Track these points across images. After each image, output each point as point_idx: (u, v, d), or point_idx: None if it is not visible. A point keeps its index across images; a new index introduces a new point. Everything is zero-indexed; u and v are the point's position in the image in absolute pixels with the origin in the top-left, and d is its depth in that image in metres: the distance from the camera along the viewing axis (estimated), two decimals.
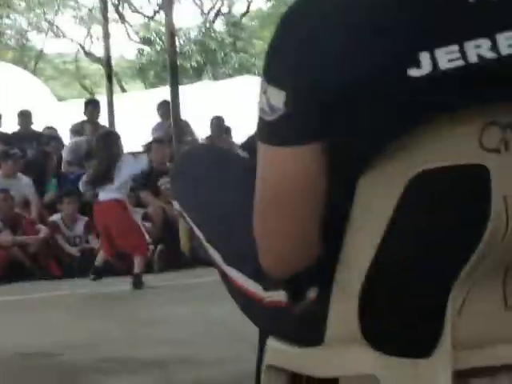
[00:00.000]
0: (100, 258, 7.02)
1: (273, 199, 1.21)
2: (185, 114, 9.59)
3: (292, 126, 1.16)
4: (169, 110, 9.95)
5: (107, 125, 10.80)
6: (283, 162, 1.18)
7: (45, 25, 30.44)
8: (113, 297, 6.64)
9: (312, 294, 1.31)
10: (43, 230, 8.58)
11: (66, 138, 10.89)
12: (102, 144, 6.97)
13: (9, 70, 16.30)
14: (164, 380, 3.39)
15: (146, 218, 8.71)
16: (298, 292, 1.31)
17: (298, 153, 1.16)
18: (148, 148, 10.24)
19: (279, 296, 1.33)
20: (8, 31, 29.37)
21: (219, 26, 27.94)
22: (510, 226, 1.18)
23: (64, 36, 31.19)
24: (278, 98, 1.15)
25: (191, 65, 24.29)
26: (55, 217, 8.71)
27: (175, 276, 7.60)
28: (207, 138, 10.79)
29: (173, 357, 3.80)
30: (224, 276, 1.48)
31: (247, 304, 1.44)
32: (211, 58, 25.90)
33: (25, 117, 10.87)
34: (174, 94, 8.55)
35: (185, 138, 9.31)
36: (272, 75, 1.18)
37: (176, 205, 1.64)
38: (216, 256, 1.49)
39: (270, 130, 1.18)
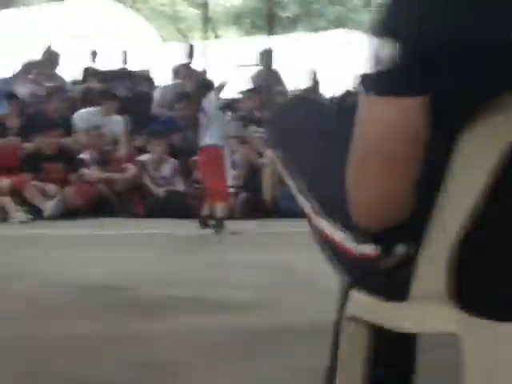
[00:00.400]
0: (206, 208, 7.11)
1: (373, 148, 1.21)
2: (277, 64, 9.56)
3: (402, 77, 1.17)
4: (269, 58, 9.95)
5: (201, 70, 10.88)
6: (389, 111, 1.19)
7: None
8: (194, 239, 6.75)
9: (401, 249, 1.31)
10: (131, 169, 8.75)
11: (166, 78, 10.96)
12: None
13: (110, 6, 16.37)
14: (239, 323, 3.41)
15: (231, 165, 8.77)
16: (387, 246, 1.32)
17: (405, 104, 1.17)
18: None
19: (368, 249, 1.34)
20: None
21: None
22: None
23: None
24: (390, 48, 1.16)
25: (287, 15, 24.07)
26: (144, 157, 8.84)
27: (256, 224, 7.66)
28: (301, 89, 10.74)
29: (248, 301, 3.83)
30: (313, 226, 1.50)
31: (334, 255, 1.45)
32: (307, 10, 25.65)
33: (121, 56, 11.02)
34: (269, 42, 8.53)
35: (275, 88, 9.28)
36: (385, 26, 1.19)
37: (270, 152, 1.65)
38: (306, 206, 1.50)
39: (379, 80, 1.19)
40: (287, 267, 4.86)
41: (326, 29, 23.02)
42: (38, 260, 5.12)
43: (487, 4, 1.12)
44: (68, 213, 8.20)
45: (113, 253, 5.57)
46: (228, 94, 10.68)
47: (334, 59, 13.97)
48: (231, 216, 7.39)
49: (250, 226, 7.42)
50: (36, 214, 7.98)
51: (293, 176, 1.55)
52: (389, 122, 1.19)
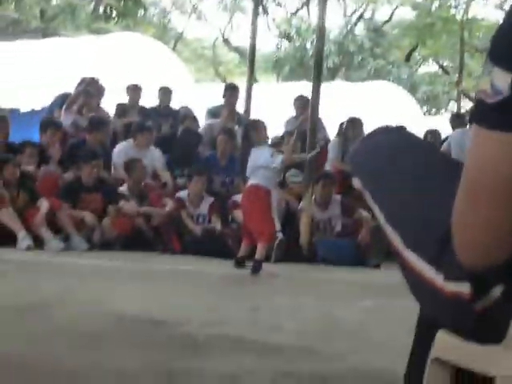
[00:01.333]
0: (243, 249, 7.08)
1: (487, 186, 1.17)
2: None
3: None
4: (304, 104, 10.00)
5: (242, 112, 10.94)
6: (501, 148, 1.14)
7: (189, 7, 31.00)
8: (230, 278, 6.71)
9: (498, 290, 1.27)
10: (169, 204, 8.76)
11: (200, 119, 11.06)
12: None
13: (152, 44, 16.58)
14: (282, 366, 3.37)
15: None
16: (485, 286, 1.28)
17: None
18: (278, 141, 10.31)
19: (461, 287, 1.30)
20: (152, 9, 30.01)
21: (360, 30, 27.86)
22: None
23: (206, 20, 31.72)
24: (504, 79, 1.12)
25: (327, 64, 24.26)
26: (182, 193, 8.86)
27: (292, 268, 7.61)
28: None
29: (288, 344, 3.79)
30: (401, 259, 1.46)
31: (422, 290, 1.41)
32: (348, 60, 25.86)
33: (165, 93, 11.14)
34: (315, 90, 8.57)
35: (318, 134, 9.31)
36: (500, 56, 1.14)
37: (356, 182, 1.61)
38: (394, 236, 1.45)
39: (491, 114, 1.15)
40: (325, 313, 4.81)
41: (364, 80, 23.15)
42: (77, 289, 5.11)
43: None
44: (103, 244, 8.22)
45: (149, 287, 5.55)
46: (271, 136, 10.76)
47: (372, 109, 14.01)
48: (267, 259, 7.35)
49: (286, 270, 7.37)
50: (70, 242, 8.01)
51: (381, 204, 1.52)
52: (502, 158, 1.15)
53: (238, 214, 8.39)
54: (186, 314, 4.44)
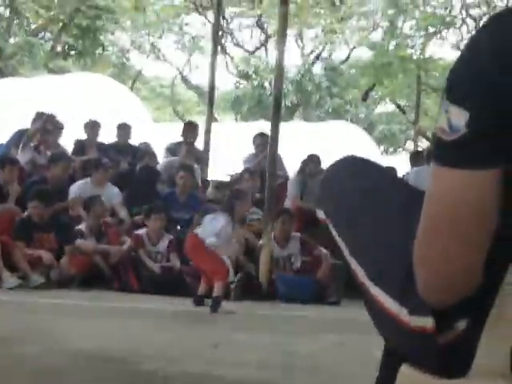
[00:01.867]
0: (202, 287, 7.10)
1: (446, 223, 1.18)
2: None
3: (473, 148, 1.14)
4: (263, 142, 10.05)
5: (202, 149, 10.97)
6: (460, 184, 1.15)
7: (147, 46, 31.07)
8: (190, 316, 6.68)
9: (462, 324, 1.28)
10: (127, 242, 8.70)
11: (159, 158, 11.05)
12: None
13: (110, 84, 16.61)
14: None
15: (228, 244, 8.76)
16: (447, 320, 1.29)
17: (477, 176, 1.14)
18: (236, 178, 10.35)
19: (425, 322, 1.30)
20: (110, 48, 30.05)
21: (318, 69, 28.13)
22: None
23: (164, 60, 31.79)
24: (460, 117, 1.14)
25: (285, 103, 24.43)
26: (141, 231, 8.80)
27: (251, 305, 7.60)
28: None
29: (252, 379, 3.79)
30: (365, 292, 1.46)
31: (386, 324, 1.40)
32: (306, 99, 26.05)
33: (124, 129, 11.10)
34: (274, 128, 8.62)
35: (277, 172, 9.34)
36: (455, 94, 1.16)
37: (321, 214, 1.61)
38: (358, 270, 1.46)
39: (449, 151, 1.16)
40: (285, 349, 4.81)
41: (322, 119, 23.36)
42: (35, 326, 5.05)
43: None
44: (61, 282, 8.12)
45: (108, 324, 5.50)
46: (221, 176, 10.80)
47: (329, 149, 14.11)
48: (226, 296, 7.33)
49: (245, 307, 7.36)
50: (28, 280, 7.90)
51: (344, 238, 1.51)
52: (460, 195, 1.16)
53: None
54: (146, 351, 4.40)
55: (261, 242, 8.63)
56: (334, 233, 1.54)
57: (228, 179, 10.91)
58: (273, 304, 7.93)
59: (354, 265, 1.47)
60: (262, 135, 10.76)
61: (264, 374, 3.95)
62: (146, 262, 8.53)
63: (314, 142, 15.34)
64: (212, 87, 11.46)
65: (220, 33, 28.81)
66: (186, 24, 29.93)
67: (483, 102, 1.13)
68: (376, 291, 1.41)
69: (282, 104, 22.76)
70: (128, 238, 8.78)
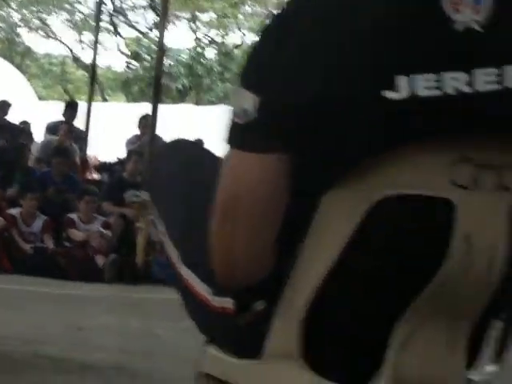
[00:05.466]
0: None
1: (232, 204, 1.18)
2: (162, 133, 9.59)
3: (259, 132, 1.14)
4: (148, 124, 9.98)
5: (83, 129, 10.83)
6: (247, 167, 1.16)
7: (37, 23, 30.35)
8: (58, 298, 6.58)
9: (259, 306, 1.28)
10: (0, 222, 8.48)
11: (41, 136, 10.86)
12: None
13: None
14: None
15: (106, 226, 8.68)
16: (246, 302, 1.29)
17: (263, 160, 1.15)
18: (123, 160, 10.26)
19: (226, 303, 1.31)
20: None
21: (210, 53, 28.09)
22: (471, 269, 1.15)
23: (55, 37, 31.12)
24: (251, 102, 1.14)
25: (176, 86, 24.32)
26: (14, 211, 8.59)
27: (123, 288, 7.56)
28: None
29: (110, 364, 3.78)
30: (177, 275, 1.46)
31: (194, 306, 1.41)
32: (197, 83, 25.99)
33: (1, 107, 10.84)
34: (154, 109, 8.57)
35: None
36: (247, 79, 1.17)
37: (146, 194, 1.61)
38: (173, 254, 1.45)
39: (239, 134, 1.17)
40: (147, 333, 4.81)
41: (213, 103, 23.37)
42: None
43: (355, 64, 1.11)
44: None
45: None
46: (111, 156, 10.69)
47: (219, 133, 14.12)
48: (100, 279, 7.26)
49: (117, 289, 7.31)
50: None
51: (166, 224, 1.51)
52: (246, 178, 1.16)
53: (74, 233, 8.26)
54: (4, 332, 4.32)
55: (138, 224, 8.56)
56: (157, 221, 1.54)
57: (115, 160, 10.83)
58: (146, 287, 7.90)
59: (171, 249, 1.48)
60: (147, 117, 10.66)
61: (122, 358, 3.94)
62: (18, 242, 8.34)
63: (206, 125, 15.34)
64: (93, 66, 11.29)
65: (112, 11, 28.46)
66: (79, 2, 29.38)
67: (270, 89, 1.14)
68: (186, 273, 1.42)
69: (173, 86, 22.64)
70: (0, 217, 8.56)
